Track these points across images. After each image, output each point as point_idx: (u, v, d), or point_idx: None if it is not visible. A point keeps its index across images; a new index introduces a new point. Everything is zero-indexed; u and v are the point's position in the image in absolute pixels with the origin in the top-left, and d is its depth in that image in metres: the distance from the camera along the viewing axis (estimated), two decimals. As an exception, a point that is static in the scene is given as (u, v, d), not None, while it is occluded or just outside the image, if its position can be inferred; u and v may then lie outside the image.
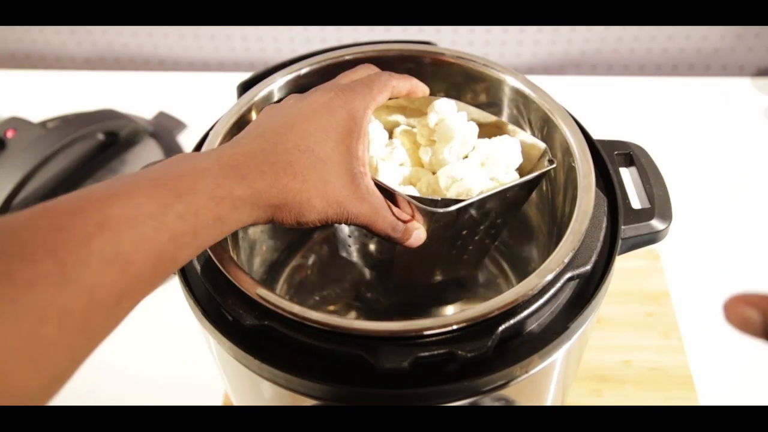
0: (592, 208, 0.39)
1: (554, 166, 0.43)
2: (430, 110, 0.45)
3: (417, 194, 0.42)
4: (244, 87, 0.48)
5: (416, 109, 0.47)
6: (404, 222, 0.40)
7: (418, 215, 0.40)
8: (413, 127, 0.47)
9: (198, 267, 0.39)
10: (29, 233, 0.25)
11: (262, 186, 0.34)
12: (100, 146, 0.79)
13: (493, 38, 0.94)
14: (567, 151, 0.44)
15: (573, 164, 0.43)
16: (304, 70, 0.49)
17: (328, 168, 0.36)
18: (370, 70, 0.44)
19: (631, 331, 0.64)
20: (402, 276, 0.49)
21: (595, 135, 0.46)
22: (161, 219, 0.29)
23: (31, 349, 0.24)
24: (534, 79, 0.48)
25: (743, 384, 0.61)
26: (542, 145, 0.44)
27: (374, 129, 0.45)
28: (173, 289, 0.70)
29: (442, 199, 0.40)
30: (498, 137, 0.44)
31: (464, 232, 0.44)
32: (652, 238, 0.42)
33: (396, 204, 0.41)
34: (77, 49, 1.01)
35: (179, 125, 0.89)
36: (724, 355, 0.63)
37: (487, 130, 0.45)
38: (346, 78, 0.42)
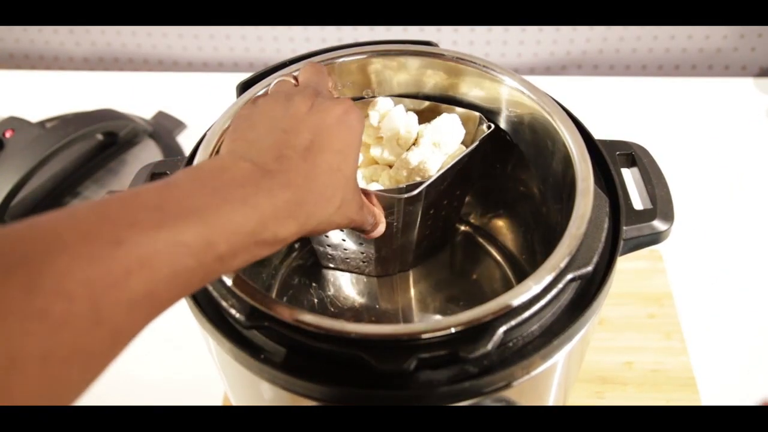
0: (590, 211, 0.39)
1: (492, 129, 0.48)
2: (370, 110, 0.50)
3: (381, 188, 0.46)
4: (244, 87, 0.48)
5: None
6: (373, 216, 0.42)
7: (380, 208, 0.44)
8: None
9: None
10: (67, 263, 0.23)
11: (301, 221, 0.33)
12: (99, 146, 0.79)
13: (494, 38, 0.93)
14: (566, 154, 0.43)
15: (572, 167, 0.42)
16: (303, 70, 0.49)
17: (349, 185, 0.36)
18: (317, 67, 0.42)
19: (633, 332, 0.64)
20: (384, 268, 0.53)
21: (597, 135, 0.46)
22: (201, 260, 0.27)
23: (52, 392, 0.23)
24: (535, 79, 0.48)
25: (746, 385, 0.60)
26: (476, 114, 0.49)
27: None
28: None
29: (407, 186, 0.44)
30: (439, 117, 0.49)
31: (431, 211, 0.49)
32: (654, 238, 0.42)
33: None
34: (76, 48, 1.01)
35: (179, 125, 0.89)
36: (727, 356, 0.62)
37: (424, 116, 0.50)
38: (306, 77, 0.41)
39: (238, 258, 0.29)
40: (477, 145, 0.47)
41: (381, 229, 0.43)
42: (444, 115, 0.48)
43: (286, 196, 0.32)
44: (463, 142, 0.50)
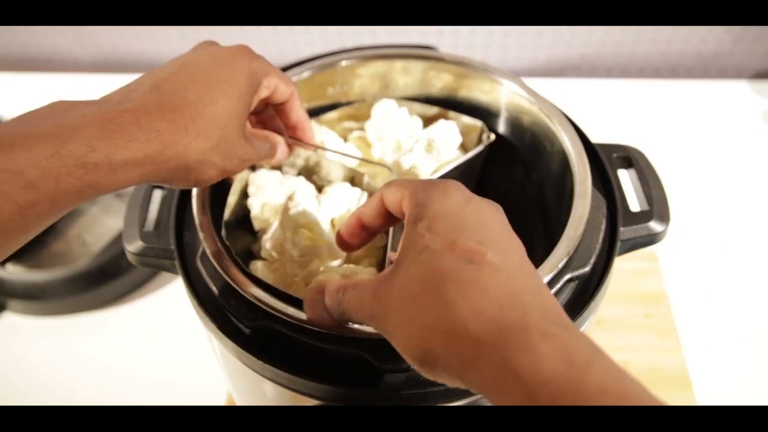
0: (588, 213, 0.39)
1: (492, 140, 0.48)
2: (372, 112, 0.50)
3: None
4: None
5: (363, 114, 0.52)
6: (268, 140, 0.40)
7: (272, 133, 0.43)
8: (363, 130, 0.52)
9: (202, 270, 0.40)
10: None
11: (157, 148, 0.30)
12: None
13: (493, 41, 0.94)
14: (564, 157, 0.44)
15: (570, 169, 0.43)
16: (305, 74, 0.49)
17: (232, 122, 0.34)
18: None
19: (630, 332, 0.64)
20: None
21: (594, 138, 0.47)
22: (6, 188, 0.26)
23: None
24: (534, 82, 0.49)
25: (741, 384, 0.61)
26: (479, 123, 0.49)
27: (329, 138, 0.49)
28: (177, 292, 0.71)
29: None
30: (436, 123, 0.49)
31: None
32: (651, 239, 0.43)
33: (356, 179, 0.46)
34: (82, 52, 1.02)
35: (181, 128, 0.89)
36: (722, 355, 0.63)
37: (432, 122, 0.50)
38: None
39: (61, 184, 0.27)
40: (474, 155, 0.47)
41: (281, 150, 0.42)
42: (441, 122, 0.49)
43: (121, 117, 0.30)
44: (465, 148, 0.50)
